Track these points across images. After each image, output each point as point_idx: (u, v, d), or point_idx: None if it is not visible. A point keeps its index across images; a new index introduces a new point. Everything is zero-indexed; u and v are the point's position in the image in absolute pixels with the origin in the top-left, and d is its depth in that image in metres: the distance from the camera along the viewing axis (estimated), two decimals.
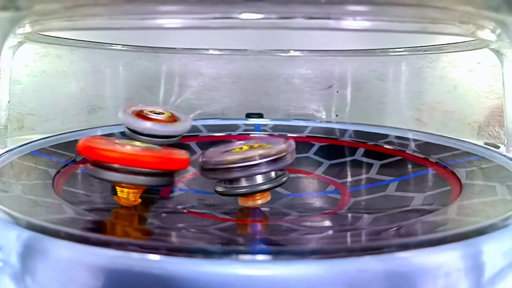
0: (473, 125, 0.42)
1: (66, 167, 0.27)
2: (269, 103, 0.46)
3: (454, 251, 0.15)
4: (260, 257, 0.15)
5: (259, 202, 0.24)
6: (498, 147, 0.30)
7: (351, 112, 0.45)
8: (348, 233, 0.21)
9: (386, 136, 0.35)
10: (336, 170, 0.31)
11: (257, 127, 0.38)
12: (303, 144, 0.35)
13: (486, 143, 0.32)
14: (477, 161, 0.27)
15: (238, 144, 0.25)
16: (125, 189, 0.22)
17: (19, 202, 0.20)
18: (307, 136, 0.36)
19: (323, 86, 0.46)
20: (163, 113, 0.27)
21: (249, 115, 0.41)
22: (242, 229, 0.23)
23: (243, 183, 0.23)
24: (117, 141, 0.21)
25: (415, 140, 0.33)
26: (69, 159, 0.27)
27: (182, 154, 0.22)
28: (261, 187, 0.23)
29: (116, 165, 0.20)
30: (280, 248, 0.17)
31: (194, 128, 0.37)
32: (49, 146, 0.29)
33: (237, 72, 0.45)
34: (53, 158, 0.27)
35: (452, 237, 0.16)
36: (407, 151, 0.31)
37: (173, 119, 0.27)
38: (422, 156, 0.30)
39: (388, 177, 0.29)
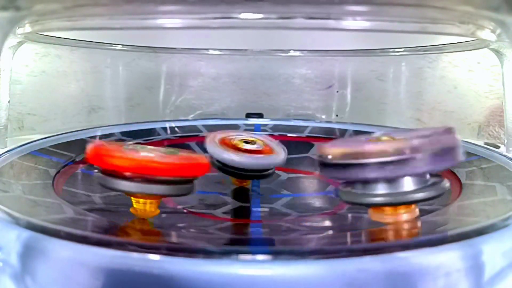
0: (473, 125, 0.42)
1: (66, 167, 0.27)
2: (269, 103, 0.46)
3: (454, 251, 0.15)
4: (260, 257, 0.15)
5: (404, 217, 0.16)
6: (498, 147, 0.30)
7: (351, 112, 0.45)
8: (348, 233, 0.20)
9: None
10: None
11: (257, 127, 0.38)
12: (303, 144, 0.35)
13: (486, 143, 0.32)
14: (477, 161, 0.27)
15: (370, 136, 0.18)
16: (141, 200, 0.19)
17: (19, 202, 0.20)
18: (307, 136, 0.36)
19: (323, 86, 0.46)
20: (254, 142, 0.25)
21: (249, 115, 0.41)
22: (242, 229, 0.23)
23: (383, 188, 0.16)
24: (129, 146, 0.19)
25: None
26: (69, 159, 0.27)
27: (201, 158, 0.19)
28: (414, 195, 0.16)
29: (128, 174, 0.18)
30: (280, 248, 0.17)
31: (194, 128, 0.37)
32: (49, 146, 0.29)
33: (237, 72, 0.45)
34: (53, 158, 0.27)
35: (452, 237, 0.16)
36: None
37: (266, 148, 0.25)
38: None
39: None
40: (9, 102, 0.31)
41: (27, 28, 0.27)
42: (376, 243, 0.17)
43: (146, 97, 0.45)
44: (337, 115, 0.46)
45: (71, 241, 0.16)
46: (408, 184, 0.16)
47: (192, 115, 0.45)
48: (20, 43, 0.30)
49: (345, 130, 0.37)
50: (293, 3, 0.21)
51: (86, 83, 0.44)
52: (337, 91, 0.45)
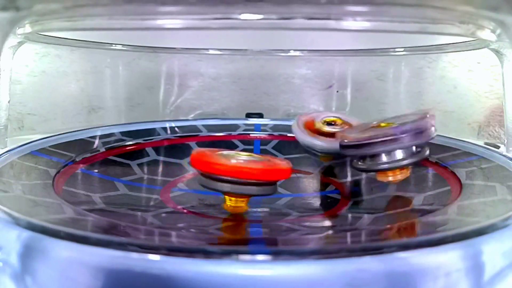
0: (473, 125, 0.42)
1: (66, 167, 0.27)
2: (269, 103, 0.46)
3: (454, 251, 0.15)
4: (260, 257, 0.15)
5: (399, 177, 0.23)
6: (498, 147, 0.30)
7: (351, 112, 0.45)
8: (348, 233, 0.21)
9: None
10: (336, 170, 0.31)
11: (257, 127, 0.38)
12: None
13: (486, 143, 0.32)
14: (477, 161, 0.27)
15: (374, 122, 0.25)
16: (233, 198, 0.22)
17: (19, 202, 0.20)
18: None
19: (323, 86, 0.46)
20: (335, 122, 0.28)
21: (249, 115, 0.41)
22: (242, 229, 0.23)
23: (384, 158, 0.23)
24: (223, 153, 0.22)
25: None
26: (69, 159, 0.27)
27: (284, 164, 0.22)
28: (402, 162, 0.23)
29: (225, 177, 0.21)
30: (280, 248, 0.17)
31: (194, 128, 0.37)
32: (49, 146, 0.29)
33: (237, 72, 0.45)
34: (53, 158, 0.27)
35: (452, 237, 0.16)
36: None
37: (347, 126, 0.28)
38: None
39: None
40: (9, 102, 0.31)
41: (27, 28, 0.27)
42: (376, 243, 0.17)
43: (146, 97, 0.45)
44: None
45: (71, 241, 0.16)
46: (399, 154, 0.23)
47: (192, 115, 0.45)
48: (20, 43, 0.30)
49: None
50: (293, 4, 0.21)
51: (86, 83, 0.44)
52: (337, 91, 0.45)
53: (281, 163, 0.22)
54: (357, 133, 0.24)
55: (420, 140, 0.23)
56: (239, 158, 0.22)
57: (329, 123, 0.29)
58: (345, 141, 0.24)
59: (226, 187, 0.22)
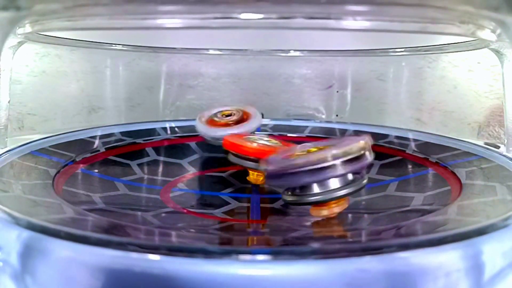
0: (473, 125, 0.42)
1: (66, 167, 0.27)
2: (269, 103, 0.46)
3: (454, 251, 0.15)
4: (260, 257, 0.15)
5: (336, 210, 0.20)
6: (498, 147, 0.30)
7: (351, 112, 0.45)
8: (348, 233, 0.21)
9: (386, 136, 0.35)
10: None
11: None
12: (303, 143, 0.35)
13: (486, 143, 0.32)
14: (477, 161, 0.27)
15: (304, 146, 0.23)
16: (255, 173, 0.27)
17: (19, 202, 0.20)
18: (307, 136, 0.36)
19: (323, 86, 0.46)
20: (233, 114, 0.30)
21: None
22: (242, 229, 0.23)
23: (316, 189, 0.20)
24: (251, 138, 0.27)
25: (415, 140, 0.33)
26: (69, 159, 0.27)
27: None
28: (337, 193, 0.20)
29: (249, 156, 0.26)
30: (280, 248, 0.17)
31: (194, 128, 0.37)
32: (49, 146, 0.29)
33: (237, 72, 0.45)
34: (53, 158, 0.27)
35: (452, 237, 0.16)
36: (407, 151, 0.31)
37: (243, 118, 0.30)
38: (422, 156, 0.30)
39: (388, 177, 0.29)
40: (9, 102, 0.31)
41: (27, 28, 0.27)
42: (376, 243, 0.17)
43: (146, 97, 0.45)
44: (337, 115, 0.46)
45: (71, 241, 0.16)
46: (334, 183, 0.20)
47: (192, 115, 0.45)
48: (20, 43, 0.30)
49: (345, 130, 0.37)
50: (293, 3, 0.21)
51: (86, 83, 0.44)
52: (337, 91, 0.45)
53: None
54: (283, 159, 0.20)
55: (355, 167, 0.19)
56: (261, 142, 0.26)
57: (227, 115, 0.30)
58: (269, 168, 0.20)
59: (250, 164, 0.26)
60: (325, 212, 0.20)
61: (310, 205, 0.21)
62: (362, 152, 0.19)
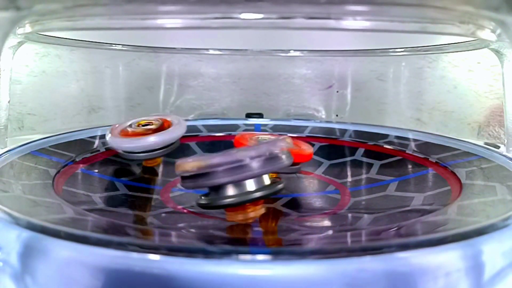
0: (473, 125, 0.42)
1: (66, 167, 0.27)
2: (269, 103, 0.46)
3: (454, 251, 0.15)
4: (260, 257, 0.15)
5: (251, 215, 0.20)
6: (498, 147, 0.30)
7: (351, 112, 0.45)
8: (348, 233, 0.20)
9: (386, 136, 0.35)
10: (336, 170, 0.31)
11: (257, 127, 0.38)
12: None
13: (486, 143, 0.32)
14: (477, 161, 0.27)
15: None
16: None
17: (19, 202, 0.20)
18: (307, 136, 0.36)
19: (323, 86, 0.46)
20: (151, 123, 0.27)
21: (249, 115, 0.41)
22: (242, 229, 0.23)
23: (230, 191, 0.19)
24: (259, 137, 0.28)
25: (415, 140, 0.33)
26: (69, 159, 0.27)
27: (306, 149, 0.27)
28: (252, 195, 0.19)
29: None
30: (280, 248, 0.17)
31: (194, 128, 0.37)
32: (49, 146, 0.29)
33: (237, 72, 0.45)
34: (53, 158, 0.27)
35: (452, 237, 0.16)
36: (407, 151, 0.31)
37: (163, 126, 0.27)
38: (422, 156, 0.30)
39: (388, 177, 0.29)
40: (9, 102, 0.31)
41: (27, 28, 0.27)
42: (376, 243, 0.17)
43: (146, 97, 0.45)
44: (337, 115, 0.46)
45: (71, 241, 0.16)
46: (250, 186, 0.19)
47: (192, 115, 0.45)
48: (20, 43, 0.30)
49: (345, 130, 0.37)
50: (293, 3, 0.21)
51: (86, 83, 0.44)
52: (337, 91, 0.45)
53: (304, 148, 0.27)
54: (197, 161, 0.19)
55: (271, 167, 0.19)
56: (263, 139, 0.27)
57: (145, 125, 0.27)
58: (183, 171, 0.19)
59: None
60: (240, 216, 0.20)
61: (224, 208, 0.20)
62: (278, 153, 0.19)
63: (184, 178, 0.20)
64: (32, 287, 0.16)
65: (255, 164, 0.18)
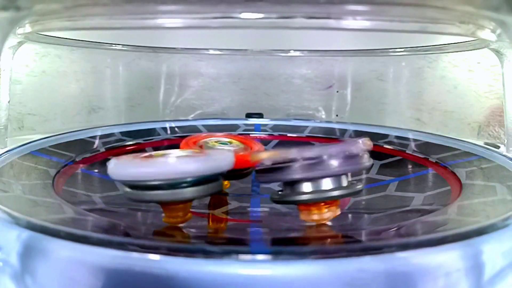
0: (473, 125, 0.42)
1: (66, 167, 0.27)
2: (269, 103, 0.46)
3: (454, 251, 0.15)
4: (260, 257, 0.15)
5: (327, 215, 0.19)
6: (498, 147, 0.30)
7: (351, 112, 0.45)
8: (348, 233, 0.20)
9: (386, 136, 0.35)
10: None
11: (257, 127, 0.38)
12: (303, 144, 0.35)
13: (486, 143, 0.32)
14: (477, 161, 0.27)
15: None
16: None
17: (19, 202, 0.20)
18: (307, 136, 0.36)
19: (323, 86, 0.46)
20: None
21: (249, 115, 0.41)
22: (242, 229, 0.23)
23: (307, 187, 0.18)
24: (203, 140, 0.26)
25: (415, 140, 0.33)
26: (69, 159, 0.27)
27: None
28: (331, 193, 0.18)
29: None
30: (280, 248, 0.17)
31: (194, 128, 0.37)
32: (49, 146, 0.29)
33: (237, 72, 0.46)
34: (53, 158, 0.27)
35: (452, 237, 0.16)
36: (407, 151, 0.31)
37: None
38: (422, 156, 0.30)
39: (388, 177, 0.29)
40: (9, 102, 0.31)
41: (27, 28, 0.27)
42: (376, 243, 0.17)
43: (146, 97, 0.45)
44: (337, 115, 0.46)
45: (71, 241, 0.16)
46: (327, 184, 0.18)
47: (192, 115, 0.45)
48: (20, 43, 0.30)
49: (345, 130, 0.37)
50: (293, 3, 0.21)
51: (86, 83, 0.44)
52: (337, 91, 0.45)
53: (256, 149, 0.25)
54: (275, 154, 0.18)
55: (351, 167, 0.18)
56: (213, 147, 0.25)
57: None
58: (260, 164, 0.19)
59: None
60: (315, 216, 0.19)
61: (298, 203, 0.19)
62: (361, 153, 0.18)
63: (258, 171, 0.19)
64: (32, 287, 0.16)
65: (332, 161, 0.18)
